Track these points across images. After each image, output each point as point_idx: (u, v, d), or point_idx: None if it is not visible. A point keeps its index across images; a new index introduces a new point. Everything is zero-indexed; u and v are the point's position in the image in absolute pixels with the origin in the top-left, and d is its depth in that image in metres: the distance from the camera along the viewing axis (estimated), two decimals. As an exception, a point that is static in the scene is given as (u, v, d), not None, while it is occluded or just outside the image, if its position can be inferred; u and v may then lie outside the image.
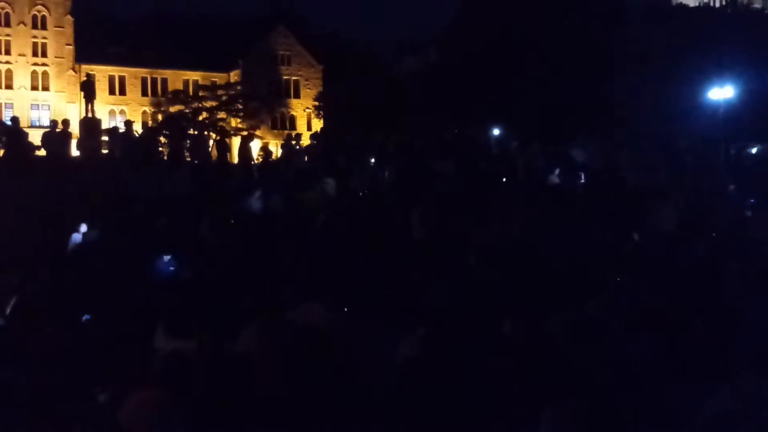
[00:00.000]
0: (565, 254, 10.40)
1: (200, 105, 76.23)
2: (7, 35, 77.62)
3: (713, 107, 33.12)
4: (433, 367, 5.18)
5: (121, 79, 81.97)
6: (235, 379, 5.15)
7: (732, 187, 22.40)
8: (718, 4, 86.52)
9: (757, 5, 71.52)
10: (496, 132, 43.02)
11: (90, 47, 76.90)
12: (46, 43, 79.27)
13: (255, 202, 17.21)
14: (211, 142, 34.03)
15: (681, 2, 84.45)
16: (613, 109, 41.40)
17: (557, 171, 22.80)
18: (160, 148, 30.33)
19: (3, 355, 6.20)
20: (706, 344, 6.07)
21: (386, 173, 22.36)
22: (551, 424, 4.28)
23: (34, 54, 78.78)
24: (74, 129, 29.55)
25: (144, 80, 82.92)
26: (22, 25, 78.10)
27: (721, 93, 32.43)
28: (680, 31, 45.53)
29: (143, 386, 4.62)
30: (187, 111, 74.98)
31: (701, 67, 37.16)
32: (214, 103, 76.45)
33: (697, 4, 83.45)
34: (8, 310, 7.78)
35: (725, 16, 61.79)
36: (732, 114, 32.38)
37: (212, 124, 72.09)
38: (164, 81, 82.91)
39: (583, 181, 22.55)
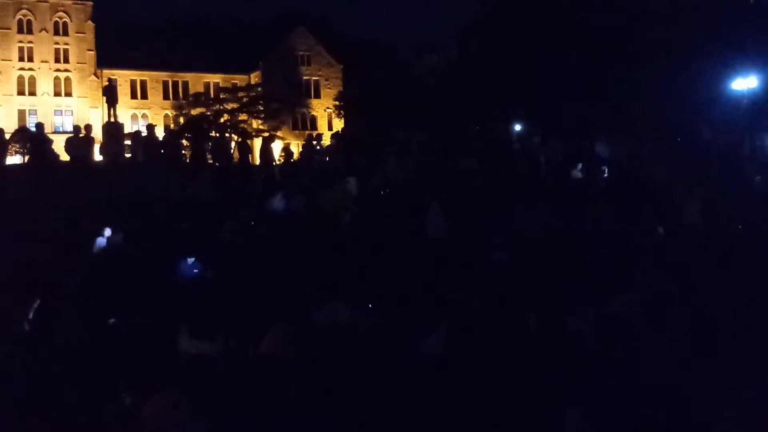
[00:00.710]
0: (589, 249, 10.34)
1: (221, 107, 76.50)
2: (30, 42, 78.27)
3: (737, 98, 32.79)
4: (455, 365, 5.15)
5: (143, 83, 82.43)
6: (259, 381, 5.15)
7: (758, 178, 22.19)
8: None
9: (780, -6, 70.61)
10: (517, 127, 42.86)
11: (111, 52, 77.40)
12: (68, 49, 79.84)
13: (277, 202, 17.24)
14: (232, 144, 34.16)
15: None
16: (635, 102, 41.08)
17: (579, 165, 22.70)
18: (183, 151, 30.47)
19: (27, 360, 6.24)
20: (733, 341, 5.99)
21: (409, 171, 22.32)
22: (576, 423, 4.23)
23: (57, 60, 79.37)
24: (97, 133, 29.76)
25: (165, 84, 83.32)
26: (44, 32, 78.72)
27: (745, 83, 32.09)
28: (702, 20, 45.07)
29: (167, 389, 4.63)
30: (208, 113, 75.27)
31: (724, 57, 36.76)
32: (235, 105, 76.70)
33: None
34: (31, 314, 7.82)
35: (748, 5, 61.14)
36: (756, 105, 32.02)
37: (233, 126, 72.34)
38: (185, 84, 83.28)
39: (606, 175, 22.42)
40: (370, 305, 7.05)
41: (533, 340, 5.63)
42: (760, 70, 32.91)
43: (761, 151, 29.92)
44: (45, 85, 78.36)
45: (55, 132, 60.39)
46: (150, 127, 26.57)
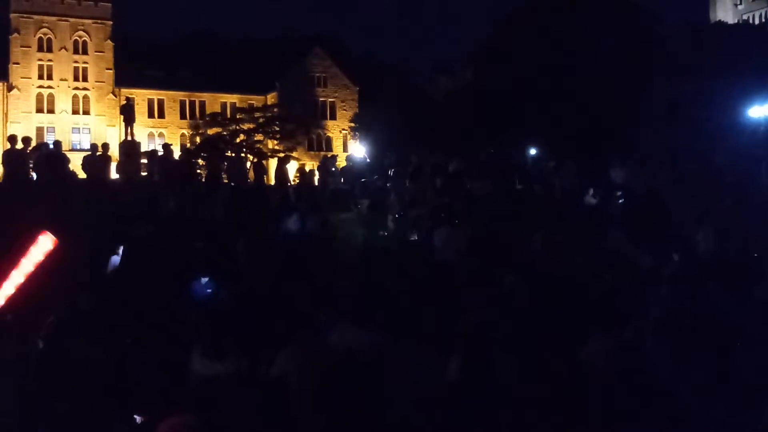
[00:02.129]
0: (604, 277, 10.29)
1: (237, 127, 76.89)
2: (50, 60, 79.05)
3: (754, 125, 32.70)
4: (470, 392, 5.13)
5: (160, 103, 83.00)
6: (271, 403, 5.14)
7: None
8: (757, 21, 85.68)
9: (798, 21, 70.65)
10: (532, 151, 42.83)
11: (129, 71, 78.05)
12: (86, 68, 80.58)
13: (292, 223, 17.24)
14: (248, 164, 34.28)
15: (720, 20, 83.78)
16: (652, 127, 41.07)
17: (592, 191, 22.61)
18: (198, 171, 30.60)
19: (42, 378, 6.25)
20: (750, 369, 5.95)
21: (423, 194, 22.31)
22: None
23: (75, 78, 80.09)
24: (114, 152, 29.94)
25: (182, 103, 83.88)
26: (63, 51, 79.50)
27: (762, 111, 32.00)
28: (719, 47, 45.10)
29: (179, 410, 4.63)
30: (224, 133, 75.67)
31: (741, 84, 36.72)
32: (251, 126, 77.08)
33: (737, 21, 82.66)
34: (45, 333, 7.84)
35: (764, 33, 61.11)
36: (773, 132, 31.93)
37: (249, 146, 72.72)
38: (202, 104, 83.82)
39: (621, 201, 22.32)
40: (382, 333, 7.02)
41: (546, 368, 5.60)
42: (777, 97, 32.84)
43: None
44: (63, 103, 79.04)
45: (73, 150, 60.90)
46: (166, 147, 26.70)
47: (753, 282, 11.73)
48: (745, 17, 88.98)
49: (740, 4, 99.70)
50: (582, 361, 5.72)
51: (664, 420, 4.99)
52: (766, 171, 29.85)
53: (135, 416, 5.25)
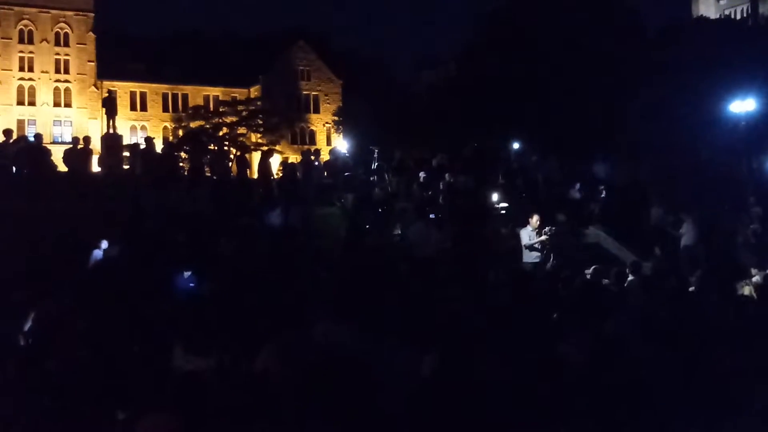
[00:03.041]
0: (584, 273, 10.36)
1: (221, 120, 76.55)
2: (31, 52, 78.44)
3: (734, 120, 32.89)
4: (448, 387, 5.14)
5: (142, 95, 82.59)
6: (253, 399, 5.13)
7: (752, 198, 22.26)
8: (739, 17, 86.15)
9: (779, 17, 71.11)
10: (515, 146, 42.93)
11: (111, 64, 77.55)
12: (68, 60, 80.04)
13: (275, 217, 17.23)
14: (231, 157, 34.16)
15: (702, 15, 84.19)
16: (634, 123, 41.24)
17: (577, 186, 22.73)
18: (181, 164, 30.45)
19: (23, 374, 6.22)
20: (725, 365, 6.01)
21: (406, 188, 22.37)
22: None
23: (57, 71, 79.54)
24: (95, 145, 29.72)
25: (165, 96, 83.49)
26: (45, 42, 78.90)
27: (743, 106, 32.16)
28: (701, 43, 45.32)
29: (160, 406, 4.63)
30: (207, 126, 75.31)
31: (723, 79, 36.91)
32: (234, 119, 76.76)
33: (718, 16, 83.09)
34: (27, 328, 7.81)
35: (746, 29, 61.49)
36: (753, 127, 32.12)
37: (232, 140, 72.43)
38: (185, 97, 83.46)
39: (603, 195, 22.46)
40: (366, 328, 7.02)
41: (526, 363, 5.63)
42: (757, 93, 32.99)
43: (759, 174, 29.97)
44: (45, 95, 78.49)
45: (54, 142, 60.44)
46: (148, 140, 26.56)
47: (735, 277, 11.84)
48: (726, 12, 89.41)
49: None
50: (560, 355, 5.76)
51: (643, 415, 5.03)
52: (747, 166, 30.11)
53: (116, 412, 5.24)
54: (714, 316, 7.95)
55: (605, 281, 11.40)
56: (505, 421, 4.94)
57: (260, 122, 78.03)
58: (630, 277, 11.35)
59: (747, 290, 11.92)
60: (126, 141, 34.71)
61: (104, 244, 14.72)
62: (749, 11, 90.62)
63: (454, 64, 63.86)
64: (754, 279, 12.59)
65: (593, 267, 11.29)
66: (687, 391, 5.60)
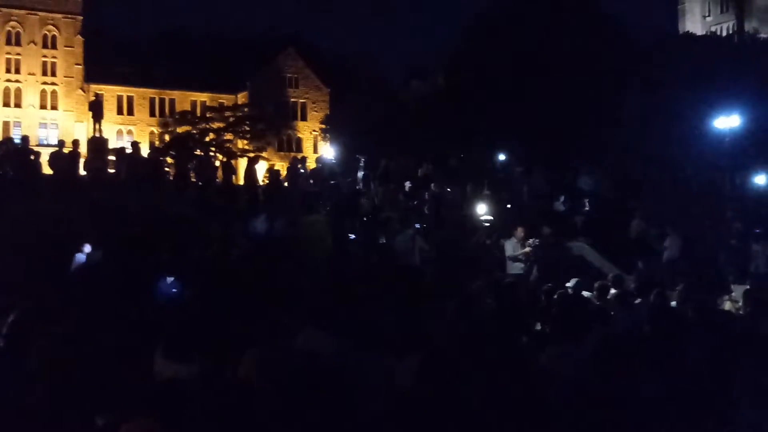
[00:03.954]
0: (566, 286, 10.38)
1: (207, 126, 76.45)
2: (18, 54, 78.19)
3: (719, 136, 33.14)
4: (428, 395, 5.15)
5: (129, 99, 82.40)
6: (235, 406, 5.13)
7: (733, 214, 22.42)
8: (725, 33, 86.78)
9: (764, 35, 71.70)
10: (501, 157, 43.06)
11: (99, 67, 77.39)
12: (55, 63, 79.83)
13: (260, 224, 17.19)
14: (217, 163, 34.08)
15: (688, 31, 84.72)
16: (620, 136, 41.46)
17: (562, 198, 22.83)
18: (167, 169, 30.38)
19: (1, 377, 6.18)
20: (705, 378, 6.04)
21: (391, 197, 22.38)
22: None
23: (44, 73, 79.32)
24: (82, 148, 29.62)
25: (152, 101, 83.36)
26: (32, 45, 78.66)
27: (727, 122, 32.42)
28: (687, 59, 45.63)
29: (141, 412, 4.61)
30: (194, 132, 75.19)
31: (708, 95, 37.19)
32: (221, 125, 76.68)
33: (705, 33, 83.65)
34: (5, 331, 7.75)
35: (732, 46, 61.97)
36: (737, 143, 32.39)
37: (219, 146, 72.32)
38: (172, 102, 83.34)
39: (587, 208, 22.56)
40: (348, 337, 7.02)
41: (506, 375, 5.65)
42: (742, 109, 33.27)
43: (741, 189, 30.20)
44: (31, 97, 78.21)
45: (40, 145, 60.13)
46: (134, 144, 26.49)
47: (716, 291, 11.92)
48: (713, 29, 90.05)
49: (709, 16, 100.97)
50: (543, 368, 5.78)
51: (624, 428, 5.05)
52: (730, 181, 30.31)
53: (95, 418, 5.21)
54: (695, 330, 8.01)
55: (587, 294, 11.46)
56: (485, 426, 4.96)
57: (247, 129, 77.99)
58: (612, 291, 11.39)
59: (728, 305, 12.02)
60: (112, 145, 34.64)
61: (87, 248, 14.63)
62: (735, 28, 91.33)
63: (443, 74, 64.01)
64: (733, 294, 12.69)
65: (574, 280, 11.34)
66: (671, 404, 5.63)
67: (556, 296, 9.49)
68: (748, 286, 13.39)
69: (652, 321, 7.97)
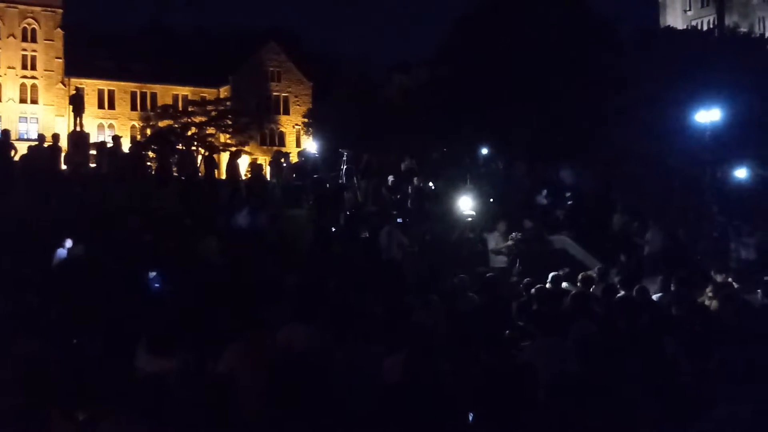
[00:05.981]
0: (547, 281, 10.41)
1: (189, 120, 75.92)
2: (-3, 47, 77.52)
3: (700, 130, 33.27)
4: (413, 389, 5.15)
5: (110, 93, 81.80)
6: (217, 400, 5.12)
7: (715, 207, 22.56)
8: (705, 27, 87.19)
9: (744, 29, 72.11)
10: (484, 151, 43.16)
11: (79, 61, 76.74)
12: (35, 56, 79.10)
13: (242, 218, 17.15)
14: (199, 157, 33.95)
15: (669, 25, 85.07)
16: (602, 130, 41.61)
17: (545, 192, 22.88)
18: (148, 163, 30.21)
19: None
20: (684, 372, 6.08)
21: (374, 192, 22.37)
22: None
23: (24, 67, 78.58)
24: (63, 142, 29.40)
25: (133, 94, 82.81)
26: (11, 38, 77.92)
27: (708, 116, 32.55)
28: (668, 53, 45.82)
29: (122, 407, 4.60)
30: (176, 126, 74.66)
31: (689, 89, 37.35)
32: (203, 119, 76.19)
33: (686, 27, 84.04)
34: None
35: (712, 39, 62.28)
36: (718, 137, 32.53)
37: (201, 140, 71.88)
38: (153, 96, 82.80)
39: (570, 202, 22.62)
40: (329, 330, 7.03)
41: (487, 369, 5.67)
42: (722, 103, 33.42)
43: (722, 183, 30.36)
44: (11, 91, 77.49)
45: (20, 139, 59.64)
46: (116, 138, 26.33)
47: (697, 285, 11.99)
48: (693, 23, 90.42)
49: (689, 10, 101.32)
50: (524, 362, 5.79)
51: (605, 423, 5.07)
52: (711, 174, 30.47)
53: (76, 412, 5.18)
54: (677, 323, 8.05)
55: (568, 286, 11.50)
56: (467, 425, 4.97)
57: (229, 122, 77.52)
58: (595, 284, 11.44)
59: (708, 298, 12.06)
60: (93, 139, 34.40)
61: (68, 243, 14.56)
62: (715, 22, 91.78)
63: (427, 68, 63.97)
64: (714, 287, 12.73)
65: (552, 274, 11.36)
66: (650, 397, 5.66)
67: (533, 291, 9.51)
68: (730, 279, 13.48)
69: (633, 314, 8.02)
